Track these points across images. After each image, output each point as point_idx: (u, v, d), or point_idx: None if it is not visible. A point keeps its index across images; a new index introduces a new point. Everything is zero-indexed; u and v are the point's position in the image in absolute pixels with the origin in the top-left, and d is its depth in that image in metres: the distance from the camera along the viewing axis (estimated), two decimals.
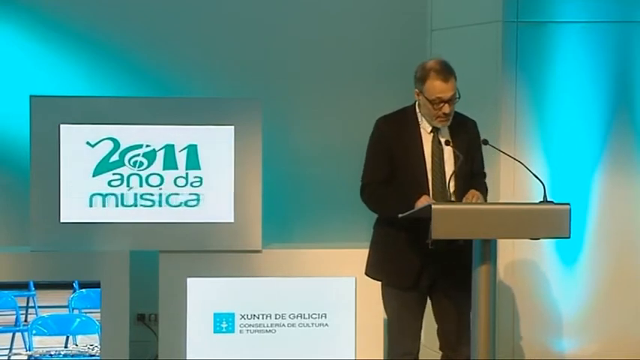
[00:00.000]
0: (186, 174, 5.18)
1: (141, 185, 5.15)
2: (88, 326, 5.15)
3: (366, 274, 4.47)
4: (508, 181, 5.17)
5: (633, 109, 5.23)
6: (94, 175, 5.13)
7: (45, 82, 5.73)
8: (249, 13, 5.89)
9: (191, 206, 5.17)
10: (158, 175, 5.16)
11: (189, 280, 5.18)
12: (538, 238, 4.26)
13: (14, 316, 5.13)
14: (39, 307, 5.14)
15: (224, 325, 5.22)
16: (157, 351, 5.24)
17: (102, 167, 5.13)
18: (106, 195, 5.13)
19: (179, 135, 5.16)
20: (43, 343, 5.15)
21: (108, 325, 5.14)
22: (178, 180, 5.17)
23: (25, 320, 5.14)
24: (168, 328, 5.18)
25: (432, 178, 4.24)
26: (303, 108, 5.91)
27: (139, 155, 5.15)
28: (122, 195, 5.14)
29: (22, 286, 5.13)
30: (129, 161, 5.15)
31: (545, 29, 5.21)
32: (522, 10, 5.18)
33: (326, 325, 5.25)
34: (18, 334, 5.13)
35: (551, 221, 4.04)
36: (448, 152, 4.27)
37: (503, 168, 5.09)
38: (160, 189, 5.16)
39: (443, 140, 4.25)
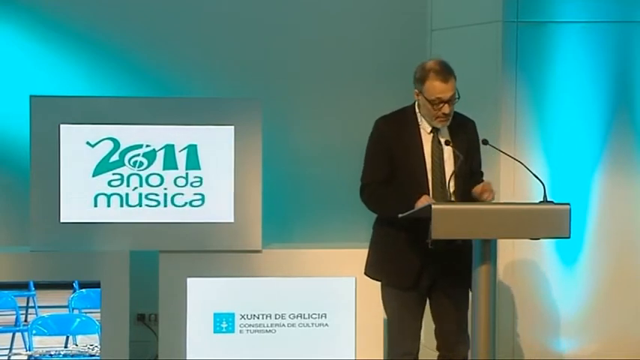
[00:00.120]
0: (186, 174, 5.18)
1: (141, 185, 5.15)
2: (88, 326, 5.15)
3: (366, 274, 4.47)
4: (508, 181, 5.17)
5: (633, 109, 5.23)
6: (94, 175, 5.13)
7: (45, 82, 5.73)
8: (249, 13, 5.89)
9: (195, 206, 5.17)
10: (158, 175, 5.16)
11: (189, 280, 5.18)
12: (538, 238, 4.26)
13: (14, 316, 5.13)
14: (39, 307, 5.14)
15: (224, 325, 5.22)
16: (157, 351, 5.24)
17: (102, 167, 5.13)
18: (111, 195, 5.13)
19: (179, 135, 5.16)
20: (43, 343, 5.15)
21: (108, 325, 5.14)
22: (178, 180, 5.17)
23: (25, 320, 5.14)
24: (168, 328, 5.18)
25: (432, 178, 4.24)
26: (303, 108, 5.91)
27: (139, 155, 5.15)
28: (127, 195, 5.14)
29: (22, 286, 5.13)
30: (129, 161, 5.15)
31: (545, 29, 5.21)
32: (522, 10, 5.18)
33: (326, 325, 5.25)
34: (18, 334, 5.13)
35: (551, 221, 4.03)
36: (448, 152, 4.27)
37: (503, 168, 5.09)
38: (165, 189, 5.16)
39: (443, 140, 4.25)
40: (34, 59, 5.79)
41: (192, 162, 5.18)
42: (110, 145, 5.14)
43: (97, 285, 5.14)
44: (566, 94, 5.21)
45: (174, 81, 5.79)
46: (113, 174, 5.14)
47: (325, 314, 5.25)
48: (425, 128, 4.29)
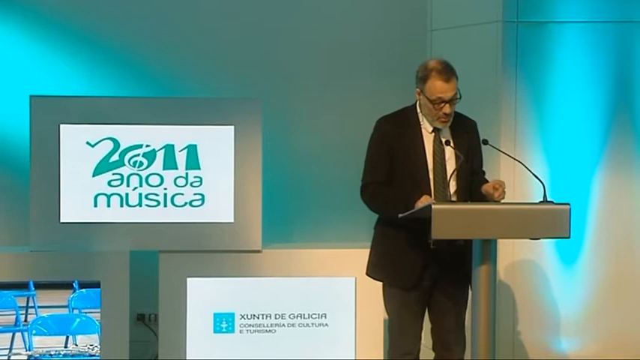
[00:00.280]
0: (186, 174, 5.18)
1: (141, 185, 5.15)
2: (88, 326, 5.15)
3: (367, 274, 4.47)
4: (508, 181, 5.12)
5: (633, 109, 5.23)
6: (94, 175, 5.12)
7: (45, 82, 5.73)
8: (249, 13, 5.89)
9: (195, 206, 5.17)
10: (158, 175, 5.16)
11: (189, 280, 5.18)
12: (538, 238, 4.26)
13: (14, 316, 5.13)
14: (39, 307, 5.13)
15: (224, 325, 5.22)
16: (157, 351, 5.24)
17: (102, 167, 5.13)
18: (111, 195, 5.13)
19: (179, 135, 5.16)
20: (43, 343, 5.15)
21: (108, 325, 5.13)
22: (178, 180, 5.17)
23: (25, 320, 5.13)
24: (168, 328, 5.18)
25: (434, 178, 4.24)
26: (303, 108, 5.91)
27: (138, 155, 5.15)
28: (127, 195, 5.14)
29: (22, 286, 5.13)
30: (129, 161, 5.15)
31: (545, 29, 5.21)
32: (522, 10, 5.18)
33: (326, 325, 5.25)
34: (18, 334, 5.13)
35: (551, 221, 4.04)
36: (449, 152, 4.27)
37: (503, 168, 5.09)
38: (165, 189, 5.16)
39: (444, 140, 4.24)
40: (34, 59, 5.79)
41: (192, 162, 5.17)
42: (110, 145, 5.14)
43: (97, 285, 5.14)
44: (566, 94, 5.21)
45: (175, 81, 5.79)
46: (113, 174, 5.14)
47: (325, 314, 5.25)
48: (426, 128, 4.28)
